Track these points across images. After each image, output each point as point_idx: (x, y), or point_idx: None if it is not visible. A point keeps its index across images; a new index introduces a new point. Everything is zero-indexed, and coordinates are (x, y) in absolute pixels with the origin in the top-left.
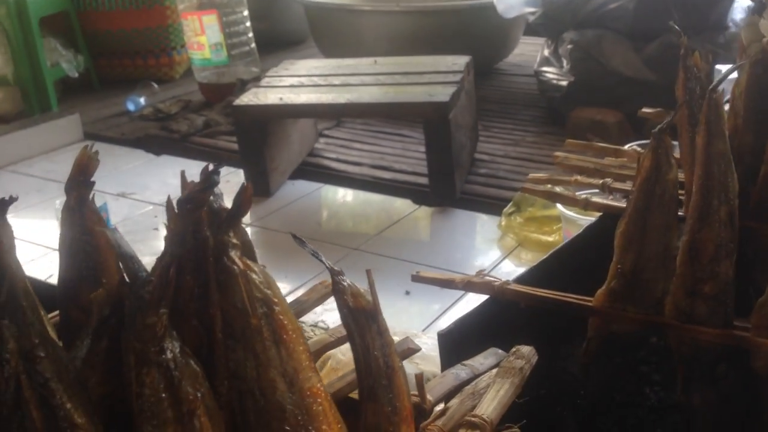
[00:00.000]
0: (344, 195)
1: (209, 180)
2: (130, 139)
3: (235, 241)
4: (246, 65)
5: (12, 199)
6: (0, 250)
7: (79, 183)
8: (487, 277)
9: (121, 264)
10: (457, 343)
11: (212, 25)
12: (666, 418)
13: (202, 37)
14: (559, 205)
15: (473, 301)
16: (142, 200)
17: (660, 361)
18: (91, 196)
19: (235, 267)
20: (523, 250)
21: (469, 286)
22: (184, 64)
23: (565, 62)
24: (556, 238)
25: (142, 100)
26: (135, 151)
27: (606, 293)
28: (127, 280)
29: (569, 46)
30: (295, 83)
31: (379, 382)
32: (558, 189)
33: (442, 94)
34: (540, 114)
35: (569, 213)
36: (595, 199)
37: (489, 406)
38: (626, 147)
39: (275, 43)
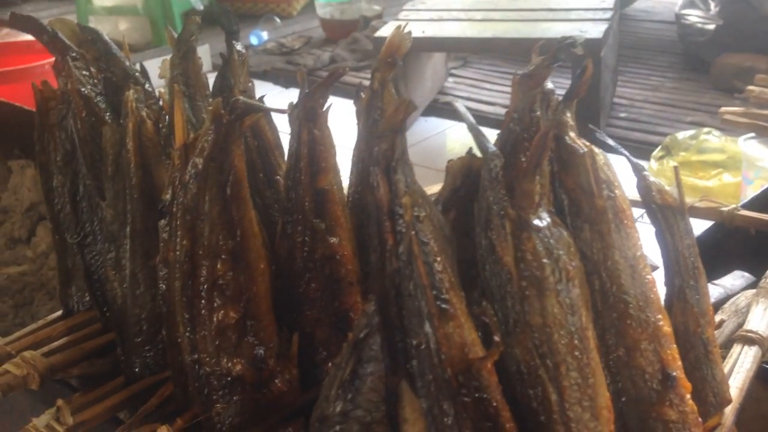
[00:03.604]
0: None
1: (557, 55)
2: (256, 72)
3: (572, 122)
4: (368, 2)
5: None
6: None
7: (387, 64)
8: (712, 203)
9: (472, 136)
10: None
11: None
12: None
13: None
14: (744, 147)
15: None
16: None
17: None
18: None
19: (579, 147)
20: None
21: (693, 211)
22: (303, 0)
23: (712, 5)
24: (716, 183)
25: (264, 35)
26: (263, 83)
27: None
28: (479, 153)
29: None
30: (434, 17)
31: (688, 282)
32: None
33: (595, 30)
34: (677, 60)
35: (754, 153)
36: None
37: (761, 322)
38: None
39: None
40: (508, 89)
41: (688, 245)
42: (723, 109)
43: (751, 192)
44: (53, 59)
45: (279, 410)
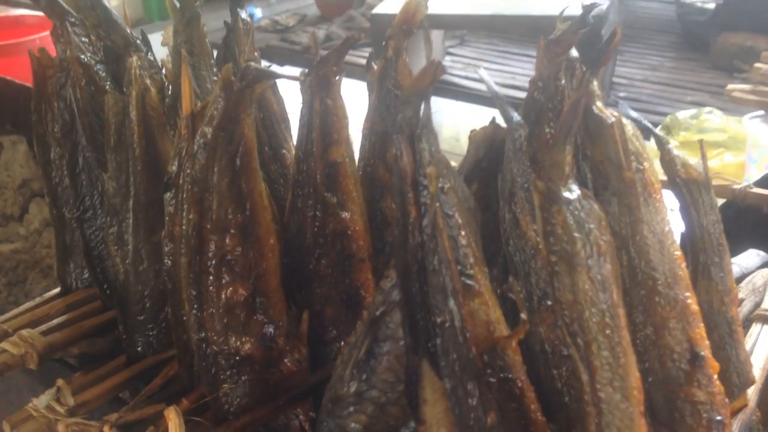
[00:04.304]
0: (476, 112)
1: (584, 20)
2: None
3: (599, 91)
4: None
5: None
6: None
7: (401, 32)
8: (725, 180)
9: (496, 106)
10: None
11: None
12: None
13: None
14: (749, 126)
15: None
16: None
17: None
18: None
19: (607, 116)
20: None
21: None
22: None
23: None
24: (717, 164)
25: (258, 12)
26: None
27: None
28: (504, 123)
29: None
30: None
31: (712, 258)
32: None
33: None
34: (676, 40)
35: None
36: None
37: None
38: None
39: None
40: (506, 68)
41: (713, 221)
42: (730, 86)
43: (755, 171)
44: (43, 33)
45: (287, 391)
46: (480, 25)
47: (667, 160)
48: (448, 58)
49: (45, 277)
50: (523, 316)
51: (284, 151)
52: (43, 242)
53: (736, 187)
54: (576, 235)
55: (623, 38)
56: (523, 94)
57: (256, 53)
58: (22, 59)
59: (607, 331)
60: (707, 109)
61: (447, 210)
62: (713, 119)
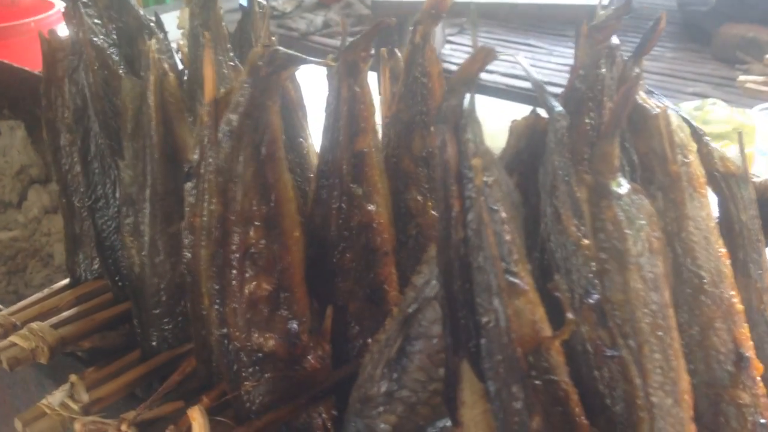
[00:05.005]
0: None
1: (628, 5)
2: None
3: (642, 80)
4: None
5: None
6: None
7: (430, 16)
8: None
9: (537, 93)
10: None
11: None
12: None
13: None
14: (757, 117)
15: None
16: None
17: None
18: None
19: (652, 107)
20: None
21: None
22: None
23: None
24: None
25: None
26: None
27: None
28: (544, 112)
29: None
30: None
31: (751, 255)
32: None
33: None
34: (676, 30)
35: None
36: None
37: None
38: None
39: None
40: (506, 57)
41: (752, 216)
42: (742, 78)
43: (765, 163)
44: (39, 16)
45: (310, 388)
46: (481, 13)
47: (705, 153)
48: (447, 46)
49: (45, 266)
50: (570, 315)
51: (301, 139)
52: (42, 230)
53: (757, 179)
54: (627, 231)
55: (623, 28)
56: (523, 84)
57: (273, 38)
58: (16, 42)
59: (659, 333)
60: (711, 100)
61: (491, 204)
62: (718, 111)
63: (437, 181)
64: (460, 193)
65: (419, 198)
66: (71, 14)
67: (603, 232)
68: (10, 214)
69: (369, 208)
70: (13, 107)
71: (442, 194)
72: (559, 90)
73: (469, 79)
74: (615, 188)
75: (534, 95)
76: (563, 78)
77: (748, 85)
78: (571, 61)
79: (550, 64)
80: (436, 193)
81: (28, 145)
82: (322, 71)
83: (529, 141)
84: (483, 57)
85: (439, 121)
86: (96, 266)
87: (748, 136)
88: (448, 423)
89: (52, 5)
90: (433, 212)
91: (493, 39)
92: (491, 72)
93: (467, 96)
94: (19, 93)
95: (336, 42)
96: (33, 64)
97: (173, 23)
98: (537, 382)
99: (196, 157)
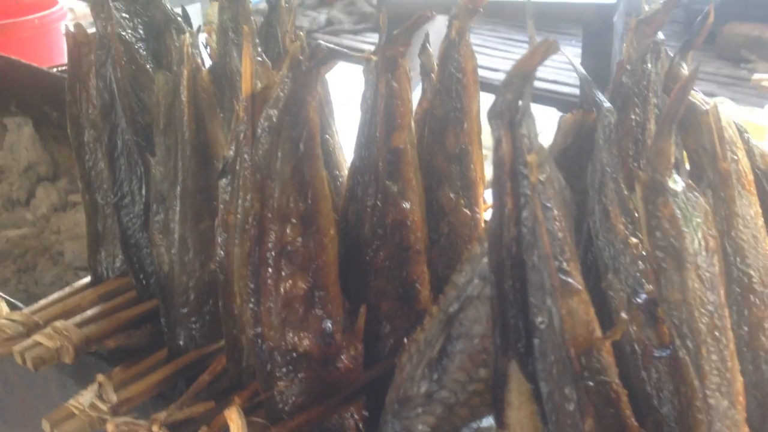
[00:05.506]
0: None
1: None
2: None
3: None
4: None
5: None
6: None
7: (467, 11)
8: None
9: (586, 89)
10: None
11: None
12: None
13: None
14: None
15: None
16: None
17: None
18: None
19: (701, 103)
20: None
21: None
22: None
23: None
24: None
25: None
26: None
27: None
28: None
29: None
30: None
31: None
32: None
33: None
34: (679, 29)
35: None
36: None
37: None
38: None
39: None
40: (511, 55)
41: None
42: (757, 76)
43: None
44: (42, 13)
45: (342, 388)
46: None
47: (746, 150)
48: None
49: (55, 264)
50: (624, 315)
51: (327, 136)
52: (51, 228)
53: None
54: (684, 229)
55: (626, 27)
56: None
57: (301, 33)
58: (20, 38)
59: (716, 333)
60: (719, 99)
61: (545, 202)
62: (726, 110)
63: (492, 179)
64: (513, 190)
65: (452, 195)
66: (99, 8)
67: (659, 230)
68: (18, 211)
69: (403, 205)
70: (20, 104)
71: (496, 191)
72: (564, 89)
73: (527, 73)
74: (672, 185)
75: (540, 94)
76: (568, 76)
77: (764, 83)
78: (576, 60)
79: (554, 62)
80: (492, 190)
81: (35, 142)
82: (345, 67)
83: (576, 137)
84: (544, 50)
85: (493, 117)
86: (119, 264)
87: (758, 135)
88: (483, 424)
89: (55, 2)
90: (465, 210)
91: (498, 37)
92: (495, 70)
93: (524, 91)
94: (27, 89)
95: (339, 40)
96: (36, 60)
97: (196, 17)
98: (589, 383)
99: (230, 153)
